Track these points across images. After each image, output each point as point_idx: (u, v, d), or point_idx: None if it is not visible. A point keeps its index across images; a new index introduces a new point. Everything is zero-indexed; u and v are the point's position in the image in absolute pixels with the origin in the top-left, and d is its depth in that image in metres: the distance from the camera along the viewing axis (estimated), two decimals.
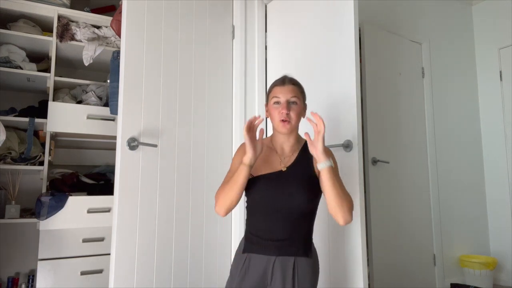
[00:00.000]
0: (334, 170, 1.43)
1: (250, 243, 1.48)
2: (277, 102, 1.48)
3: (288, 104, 1.47)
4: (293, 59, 2.36)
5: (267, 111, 1.55)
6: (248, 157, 1.40)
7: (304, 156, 1.52)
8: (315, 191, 1.47)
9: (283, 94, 1.48)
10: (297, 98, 1.49)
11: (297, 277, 1.43)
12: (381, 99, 3.01)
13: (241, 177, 1.39)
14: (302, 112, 1.53)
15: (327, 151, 1.46)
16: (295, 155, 1.53)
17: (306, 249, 1.47)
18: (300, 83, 1.56)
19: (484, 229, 3.64)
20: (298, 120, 1.51)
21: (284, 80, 1.52)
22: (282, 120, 1.46)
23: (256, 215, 1.49)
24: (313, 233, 1.54)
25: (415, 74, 3.36)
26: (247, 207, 1.54)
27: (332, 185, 1.39)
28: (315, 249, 1.56)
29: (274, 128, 1.53)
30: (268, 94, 1.56)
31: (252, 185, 1.46)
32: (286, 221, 1.44)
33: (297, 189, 1.44)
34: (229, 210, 1.44)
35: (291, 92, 1.48)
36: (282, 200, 1.43)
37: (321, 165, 1.39)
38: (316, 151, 1.39)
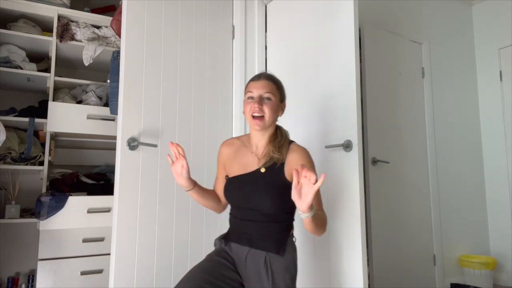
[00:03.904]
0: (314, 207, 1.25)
1: (230, 233, 1.52)
2: (251, 97, 1.46)
3: (261, 99, 1.43)
4: (293, 59, 2.36)
5: (244, 108, 1.52)
6: (181, 185, 1.49)
7: (275, 159, 1.44)
8: (283, 198, 1.36)
9: (257, 89, 1.45)
10: (271, 94, 1.44)
11: (271, 272, 1.37)
12: (381, 99, 3.01)
13: (194, 198, 1.56)
14: (277, 109, 1.47)
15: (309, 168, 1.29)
16: (269, 156, 1.44)
17: (279, 247, 1.39)
18: (278, 80, 1.52)
19: (484, 229, 3.64)
20: (273, 116, 1.45)
21: (260, 76, 1.50)
22: (254, 116, 1.43)
23: (233, 208, 1.54)
24: (291, 231, 1.48)
25: (415, 74, 3.36)
26: None
27: (313, 229, 1.28)
28: (293, 249, 1.45)
29: (250, 125, 1.51)
30: (244, 89, 1.54)
31: (227, 185, 1.51)
32: (256, 220, 1.42)
33: (266, 195, 1.39)
34: (219, 210, 1.65)
35: (265, 88, 1.44)
36: (249, 203, 1.42)
37: (304, 215, 1.22)
38: (303, 205, 1.17)
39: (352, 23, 1.95)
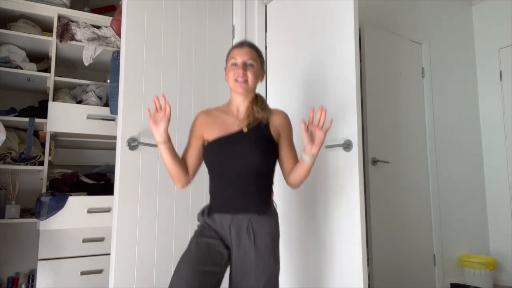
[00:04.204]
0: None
1: (211, 205, 1.51)
2: (234, 64, 1.53)
3: (245, 65, 1.51)
4: (293, 59, 2.36)
5: (226, 74, 1.59)
6: (157, 135, 1.44)
7: (261, 118, 1.53)
8: (271, 153, 1.51)
9: (240, 56, 1.52)
10: (254, 61, 1.53)
11: (253, 235, 1.41)
12: (381, 99, 3.01)
13: (163, 157, 1.47)
14: (259, 75, 1.57)
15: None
16: (251, 117, 1.53)
17: (263, 208, 1.46)
18: (259, 48, 1.61)
19: (484, 229, 3.64)
20: (255, 82, 1.55)
21: (243, 43, 1.57)
22: (238, 81, 1.51)
23: (213, 177, 1.53)
24: (272, 196, 1.55)
25: (415, 74, 3.36)
26: (208, 171, 1.55)
27: (305, 175, 1.49)
28: (274, 213, 1.53)
29: (231, 91, 1.57)
30: (226, 57, 1.60)
31: (207, 149, 1.51)
32: (241, 181, 1.45)
33: (252, 150, 1.45)
34: (183, 181, 1.53)
35: (248, 54, 1.53)
36: (236, 161, 1.45)
37: (308, 158, 1.44)
38: (314, 149, 1.42)
39: (352, 23, 1.95)
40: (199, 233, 1.48)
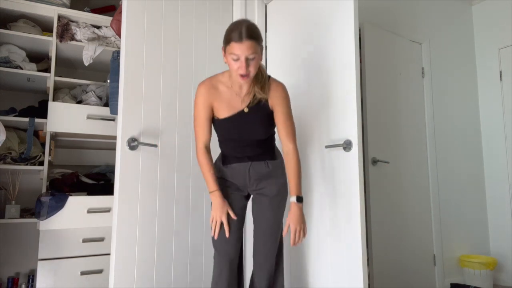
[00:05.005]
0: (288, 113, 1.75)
1: (226, 158, 1.77)
2: (236, 59, 1.54)
3: (247, 60, 1.53)
4: (293, 59, 2.36)
5: (224, 56, 1.60)
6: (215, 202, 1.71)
7: (260, 98, 1.68)
8: (271, 125, 1.74)
9: (242, 51, 1.52)
10: (255, 53, 1.54)
11: (271, 170, 1.75)
12: (381, 99, 3.01)
13: (206, 180, 1.73)
14: (260, 61, 1.61)
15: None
16: (252, 93, 1.67)
17: (271, 155, 1.77)
18: (257, 33, 1.57)
19: (484, 229, 3.64)
20: (257, 69, 1.60)
21: (242, 36, 1.51)
22: (241, 75, 1.55)
23: (225, 142, 1.77)
24: (274, 141, 1.82)
25: (415, 74, 3.36)
26: (218, 136, 1.78)
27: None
28: (278, 151, 1.82)
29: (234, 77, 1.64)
30: (225, 44, 1.58)
31: (218, 126, 1.73)
32: (251, 144, 1.72)
33: (255, 127, 1.69)
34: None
35: (250, 49, 1.52)
36: (244, 136, 1.69)
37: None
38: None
39: (352, 23, 1.95)
40: (223, 193, 1.74)
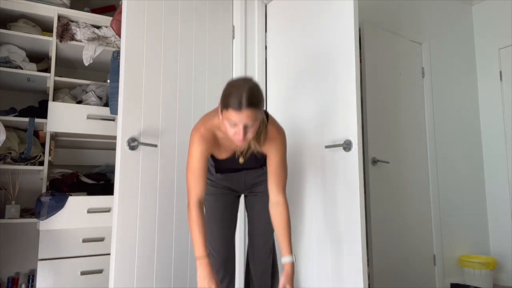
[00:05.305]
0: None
1: (220, 169, 1.77)
2: (234, 124, 1.41)
3: (246, 128, 1.41)
4: (293, 59, 2.36)
5: (220, 114, 1.45)
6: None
7: (257, 149, 1.62)
8: (264, 161, 1.73)
9: (240, 120, 1.38)
10: (255, 120, 1.40)
11: (265, 171, 1.78)
12: (381, 99, 3.01)
13: (194, 242, 1.56)
14: (260, 122, 1.49)
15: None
16: (248, 146, 1.62)
17: (265, 161, 1.72)
18: (258, 97, 1.40)
19: (484, 229, 3.64)
20: (256, 131, 1.49)
21: (241, 104, 1.35)
22: (238, 139, 1.44)
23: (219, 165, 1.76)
24: None
25: (415, 74, 3.36)
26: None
27: None
28: None
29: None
30: (222, 107, 1.42)
31: (217, 165, 1.74)
32: (246, 168, 1.77)
33: (252, 165, 1.74)
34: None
35: (249, 117, 1.38)
36: (240, 167, 1.74)
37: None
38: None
39: (352, 23, 1.95)
40: (218, 193, 1.78)
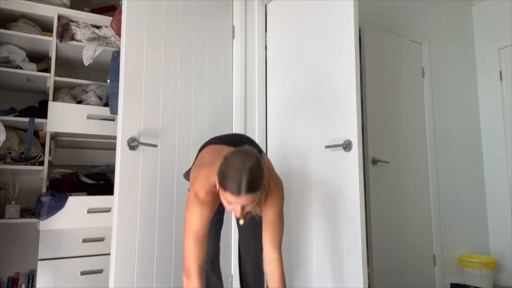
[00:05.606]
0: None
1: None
2: (231, 203, 1.34)
3: (243, 208, 1.34)
4: (293, 59, 2.36)
5: (218, 188, 1.36)
6: None
7: (256, 212, 1.56)
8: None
9: (238, 203, 1.31)
10: (254, 201, 1.34)
11: None
12: (381, 99, 3.01)
13: None
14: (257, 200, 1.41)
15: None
16: (248, 213, 1.56)
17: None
18: (258, 183, 1.31)
19: (484, 229, 3.64)
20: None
21: (240, 190, 1.27)
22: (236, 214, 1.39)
23: None
24: None
25: (415, 74, 3.36)
26: None
27: None
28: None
29: None
30: (220, 186, 1.33)
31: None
32: None
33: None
34: None
35: (247, 200, 1.31)
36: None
37: None
38: None
39: (352, 23, 1.96)
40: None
